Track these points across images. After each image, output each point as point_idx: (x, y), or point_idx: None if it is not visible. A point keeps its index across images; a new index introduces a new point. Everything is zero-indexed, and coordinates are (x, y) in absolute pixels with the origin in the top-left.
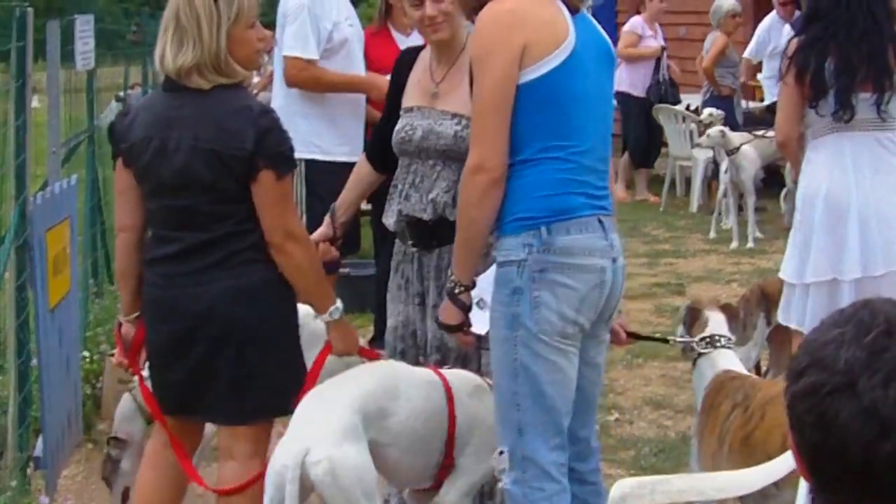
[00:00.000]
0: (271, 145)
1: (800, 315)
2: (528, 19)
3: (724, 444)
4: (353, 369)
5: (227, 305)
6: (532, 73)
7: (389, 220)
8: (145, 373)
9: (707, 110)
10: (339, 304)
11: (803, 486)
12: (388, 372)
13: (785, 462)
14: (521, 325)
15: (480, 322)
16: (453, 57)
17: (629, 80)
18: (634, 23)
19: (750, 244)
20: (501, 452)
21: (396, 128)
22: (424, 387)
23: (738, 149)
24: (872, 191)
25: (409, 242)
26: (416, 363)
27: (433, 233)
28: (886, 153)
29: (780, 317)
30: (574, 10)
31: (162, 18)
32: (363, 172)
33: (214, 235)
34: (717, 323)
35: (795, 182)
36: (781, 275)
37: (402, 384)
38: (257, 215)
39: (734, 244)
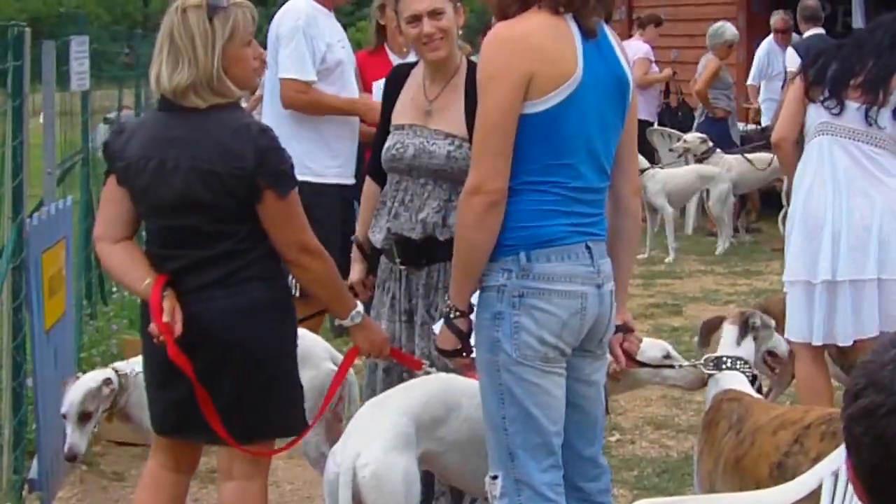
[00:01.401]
0: (271, 164)
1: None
2: (536, 49)
3: (719, 464)
4: (410, 381)
5: (226, 326)
6: (532, 108)
7: (377, 236)
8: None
9: (690, 135)
10: (359, 307)
11: None
12: (443, 383)
13: (806, 483)
14: (502, 349)
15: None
16: (448, 75)
17: (644, 106)
18: (644, 49)
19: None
20: (494, 477)
21: (387, 145)
22: (478, 395)
23: (707, 154)
24: (847, 201)
25: (398, 260)
26: (401, 380)
27: (422, 251)
28: (870, 165)
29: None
30: (591, 35)
31: (158, 38)
32: (374, 194)
33: (214, 254)
34: (729, 337)
35: (788, 194)
36: (786, 277)
37: (456, 394)
38: (258, 235)
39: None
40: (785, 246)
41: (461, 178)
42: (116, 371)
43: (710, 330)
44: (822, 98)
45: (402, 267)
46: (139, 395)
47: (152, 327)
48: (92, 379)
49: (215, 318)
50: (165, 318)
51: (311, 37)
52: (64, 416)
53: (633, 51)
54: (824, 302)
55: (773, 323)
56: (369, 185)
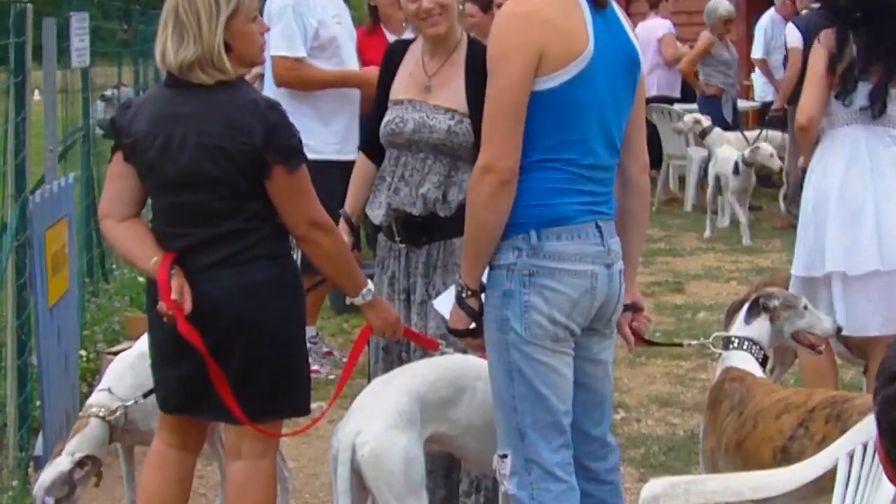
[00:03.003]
0: (280, 139)
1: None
2: (548, 25)
3: (721, 443)
4: (421, 361)
5: (234, 304)
6: (543, 84)
7: (376, 212)
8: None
9: (687, 117)
10: (370, 285)
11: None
12: (454, 364)
13: (821, 463)
14: (511, 328)
15: None
16: (448, 51)
17: (667, 81)
18: (667, 25)
19: (726, 222)
20: (504, 456)
21: (385, 119)
22: None
23: (707, 132)
24: (891, 186)
25: (398, 238)
26: (400, 360)
27: (422, 229)
28: None
29: None
30: (601, 6)
31: (161, 14)
32: (366, 170)
33: (222, 231)
34: (742, 319)
35: (804, 172)
36: (795, 271)
37: (470, 376)
38: (266, 213)
39: (706, 233)
40: (804, 234)
41: (461, 152)
42: (104, 417)
43: (733, 311)
44: (862, 105)
45: (402, 245)
46: (133, 416)
47: (161, 305)
48: (64, 462)
49: (223, 297)
50: (174, 296)
51: (300, 13)
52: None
53: (656, 29)
54: (875, 290)
55: (801, 302)
56: (361, 160)
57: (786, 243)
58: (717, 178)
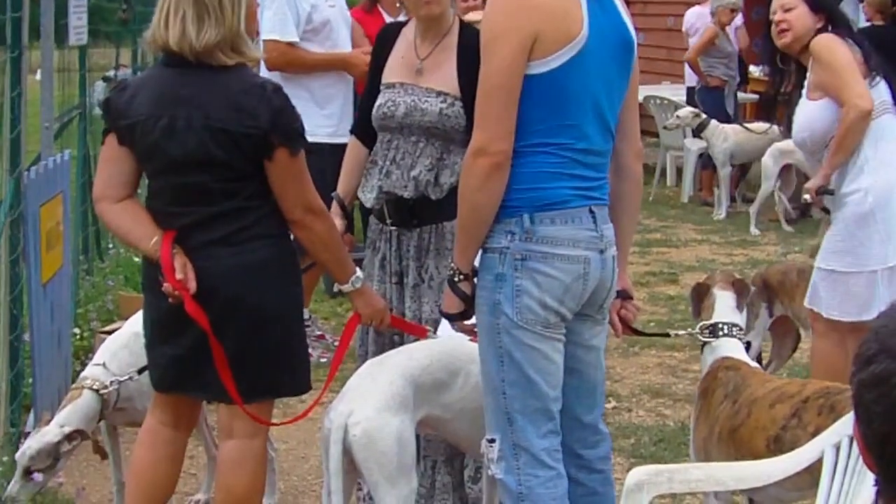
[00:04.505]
0: (285, 123)
1: (862, 304)
2: (542, 9)
3: (714, 432)
4: (414, 343)
5: (231, 283)
6: (537, 68)
7: (368, 195)
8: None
9: (682, 111)
10: (359, 272)
11: (825, 480)
12: (448, 348)
13: (806, 454)
14: (503, 312)
15: None
16: (440, 34)
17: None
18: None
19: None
20: (492, 441)
21: (378, 103)
22: None
23: (705, 126)
24: None
25: (389, 221)
26: (392, 344)
27: (414, 212)
28: None
29: (834, 311)
30: None
31: None
32: (358, 154)
33: (221, 210)
34: (723, 304)
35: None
36: (834, 265)
37: (463, 360)
38: (265, 193)
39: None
40: (840, 230)
41: (453, 136)
42: (97, 391)
43: (700, 297)
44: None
45: (393, 228)
46: (129, 392)
47: (167, 286)
48: (52, 433)
49: (222, 275)
50: (178, 276)
51: None
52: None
53: (698, 18)
54: None
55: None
56: (353, 144)
57: (780, 236)
58: (715, 169)
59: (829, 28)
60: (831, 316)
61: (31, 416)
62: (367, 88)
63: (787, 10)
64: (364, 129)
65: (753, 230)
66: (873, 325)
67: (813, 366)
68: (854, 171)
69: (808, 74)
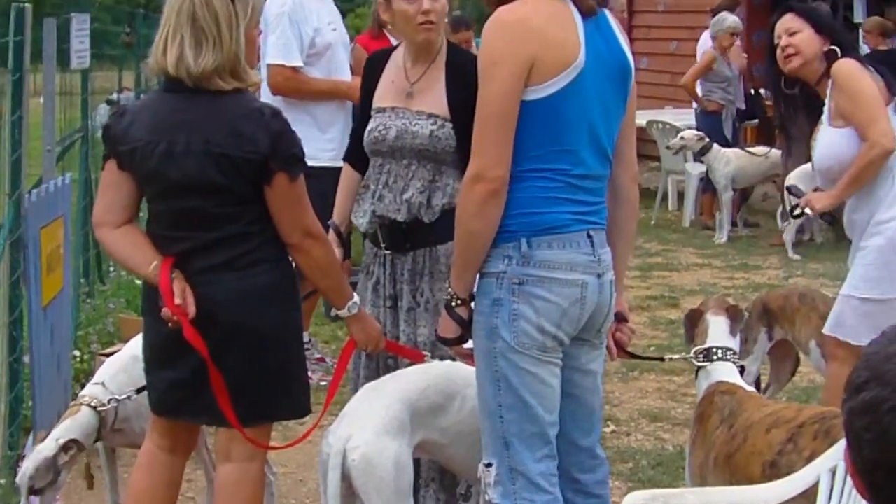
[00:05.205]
0: (284, 148)
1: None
2: (539, 34)
3: (710, 457)
4: (411, 367)
5: (233, 308)
6: (533, 94)
7: (361, 220)
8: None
9: (687, 132)
10: (356, 298)
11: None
12: (444, 372)
13: (802, 479)
14: (500, 336)
15: None
16: (431, 58)
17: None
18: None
19: (723, 238)
20: (488, 465)
21: (368, 128)
22: None
23: (707, 149)
24: None
25: (382, 245)
26: (386, 367)
27: (407, 235)
28: None
29: (863, 338)
30: (587, 13)
31: (165, 19)
32: (352, 180)
33: (223, 235)
34: (717, 329)
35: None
36: (868, 293)
37: (459, 384)
38: (266, 217)
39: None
40: (874, 258)
41: (444, 157)
42: (95, 407)
43: (693, 323)
44: None
45: (387, 252)
46: (126, 412)
47: (165, 311)
48: (48, 447)
49: (224, 300)
50: (177, 301)
51: (296, 22)
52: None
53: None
54: None
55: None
56: (347, 170)
57: (782, 261)
58: (716, 193)
59: (839, 52)
60: (860, 342)
61: (31, 439)
62: (360, 115)
63: (793, 35)
64: (357, 155)
65: (792, 255)
66: (865, 352)
67: (828, 391)
68: (889, 199)
69: (827, 101)
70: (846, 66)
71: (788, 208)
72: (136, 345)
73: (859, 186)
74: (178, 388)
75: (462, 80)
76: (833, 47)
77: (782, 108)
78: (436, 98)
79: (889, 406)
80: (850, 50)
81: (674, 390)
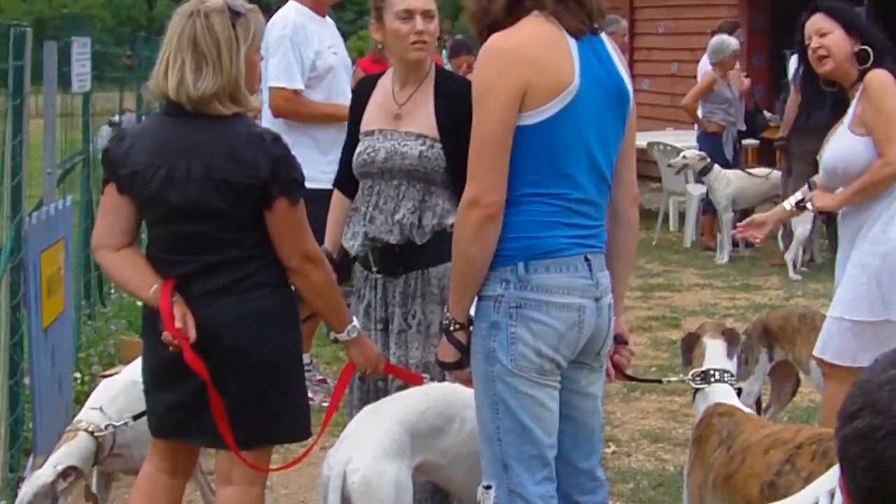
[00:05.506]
0: (285, 173)
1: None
2: (532, 61)
3: (708, 478)
4: (410, 389)
5: (233, 332)
6: (528, 119)
7: (351, 242)
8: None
9: (689, 152)
10: (355, 321)
11: None
12: (444, 394)
13: (801, 500)
14: (497, 360)
15: None
16: (419, 79)
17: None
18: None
19: (724, 259)
20: (488, 487)
21: (357, 150)
22: None
23: (708, 170)
24: None
25: (374, 269)
26: (377, 390)
27: (399, 258)
28: None
29: (844, 359)
30: (574, 34)
31: (167, 43)
32: (342, 206)
33: (223, 259)
34: (714, 352)
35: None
36: (860, 316)
37: (458, 406)
38: (266, 241)
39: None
40: (871, 283)
41: (434, 177)
42: (92, 433)
43: (690, 347)
44: None
45: (379, 275)
46: (126, 438)
47: (166, 335)
48: (46, 473)
49: (224, 324)
50: (178, 325)
51: (297, 45)
52: None
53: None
54: None
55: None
56: (337, 196)
57: (783, 281)
58: (716, 214)
59: (871, 52)
60: (851, 364)
61: (31, 461)
62: (349, 140)
63: (823, 35)
64: (346, 180)
65: (793, 275)
66: (859, 380)
67: (824, 411)
68: (885, 217)
69: (853, 104)
70: (879, 78)
71: (794, 201)
72: (134, 368)
73: (864, 198)
74: (178, 410)
75: (450, 101)
76: (864, 47)
77: (810, 98)
78: (424, 119)
79: (882, 434)
80: (882, 51)
81: (675, 411)
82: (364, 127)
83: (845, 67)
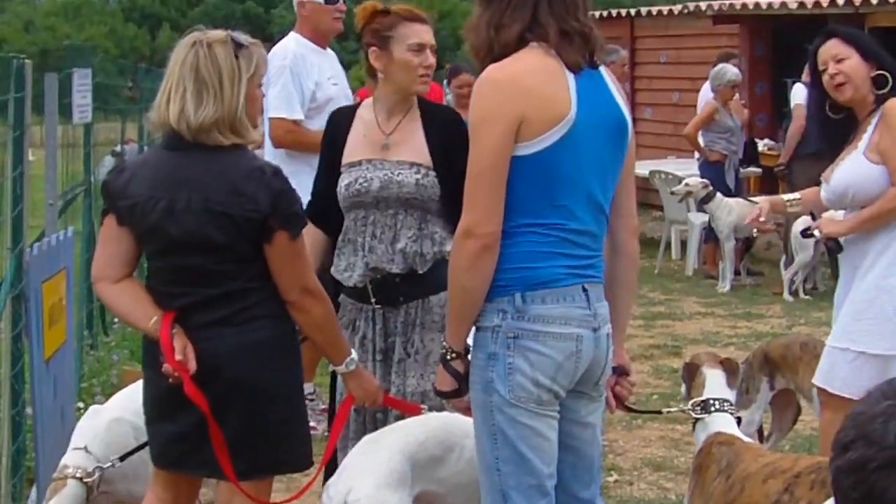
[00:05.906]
0: (285, 206)
1: None
2: (529, 92)
3: None
4: (410, 419)
5: (233, 364)
6: (524, 150)
7: (348, 273)
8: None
9: (692, 179)
10: (353, 354)
11: None
12: (443, 423)
13: None
14: (495, 390)
15: None
16: (406, 109)
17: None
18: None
19: (726, 287)
20: None
21: (346, 182)
22: None
23: (710, 198)
24: None
25: (373, 300)
26: (374, 420)
27: (400, 288)
28: None
29: (844, 389)
30: (573, 69)
31: (169, 73)
32: (318, 240)
33: (222, 292)
34: (714, 381)
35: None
36: (868, 348)
37: (457, 435)
38: (266, 274)
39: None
40: (874, 311)
41: (430, 205)
42: (81, 479)
43: (691, 376)
44: None
45: (378, 307)
46: (111, 475)
47: (166, 367)
48: None
49: (224, 355)
50: (178, 357)
51: (297, 75)
52: None
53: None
54: None
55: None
56: (312, 232)
57: (785, 309)
58: (718, 243)
59: (889, 77)
60: (854, 395)
61: (34, 491)
62: (322, 174)
63: (840, 62)
64: (319, 213)
65: (787, 297)
66: (852, 411)
67: (823, 439)
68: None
69: (870, 129)
70: None
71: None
72: (116, 404)
73: (875, 225)
74: (179, 441)
75: (440, 128)
76: (881, 72)
77: (826, 131)
78: (415, 147)
79: (875, 465)
80: None
81: (677, 439)
82: (347, 158)
83: (864, 93)
